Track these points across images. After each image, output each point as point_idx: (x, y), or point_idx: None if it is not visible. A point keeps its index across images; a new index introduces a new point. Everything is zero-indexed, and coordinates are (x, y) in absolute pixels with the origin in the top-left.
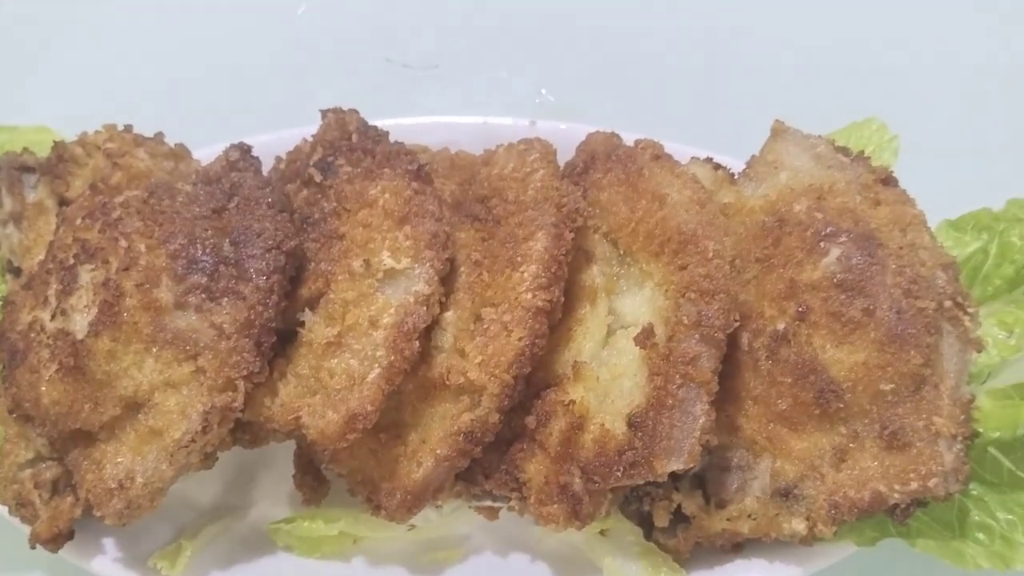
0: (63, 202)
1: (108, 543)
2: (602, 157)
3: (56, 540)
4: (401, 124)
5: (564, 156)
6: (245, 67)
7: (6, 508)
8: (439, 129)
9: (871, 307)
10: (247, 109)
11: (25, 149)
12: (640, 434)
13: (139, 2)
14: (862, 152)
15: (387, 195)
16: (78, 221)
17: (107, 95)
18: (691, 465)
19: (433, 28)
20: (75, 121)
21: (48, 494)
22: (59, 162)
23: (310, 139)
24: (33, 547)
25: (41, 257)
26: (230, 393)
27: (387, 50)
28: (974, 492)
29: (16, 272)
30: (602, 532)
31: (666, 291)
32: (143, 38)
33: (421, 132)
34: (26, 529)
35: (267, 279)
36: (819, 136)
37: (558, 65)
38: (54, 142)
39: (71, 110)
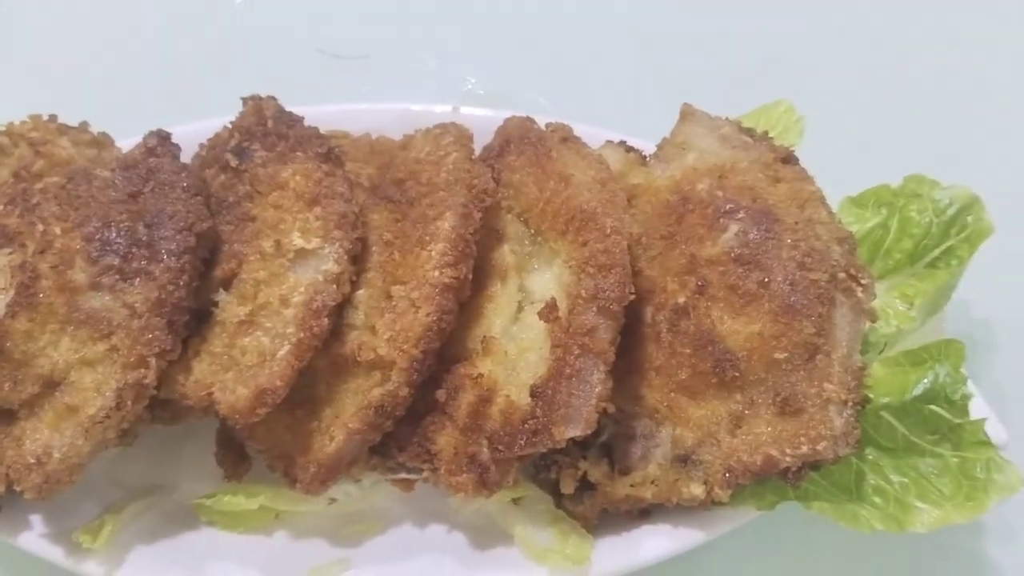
0: None
1: (35, 520)
2: (516, 140)
3: None
4: (326, 111)
5: (486, 142)
6: (180, 57)
7: None
8: (364, 115)
9: (766, 280)
10: (179, 98)
11: None
12: (541, 403)
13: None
14: (766, 133)
15: (298, 177)
16: (0, 208)
17: (40, 85)
18: (588, 431)
19: (364, 19)
20: (9, 112)
21: None
22: None
23: (229, 126)
24: None
25: None
26: (142, 370)
27: (319, 41)
28: (870, 456)
29: None
30: (515, 501)
31: (570, 267)
32: (77, 26)
33: (346, 118)
34: None
35: (177, 259)
36: (725, 118)
37: (486, 55)
38: None
39: (7, 102)
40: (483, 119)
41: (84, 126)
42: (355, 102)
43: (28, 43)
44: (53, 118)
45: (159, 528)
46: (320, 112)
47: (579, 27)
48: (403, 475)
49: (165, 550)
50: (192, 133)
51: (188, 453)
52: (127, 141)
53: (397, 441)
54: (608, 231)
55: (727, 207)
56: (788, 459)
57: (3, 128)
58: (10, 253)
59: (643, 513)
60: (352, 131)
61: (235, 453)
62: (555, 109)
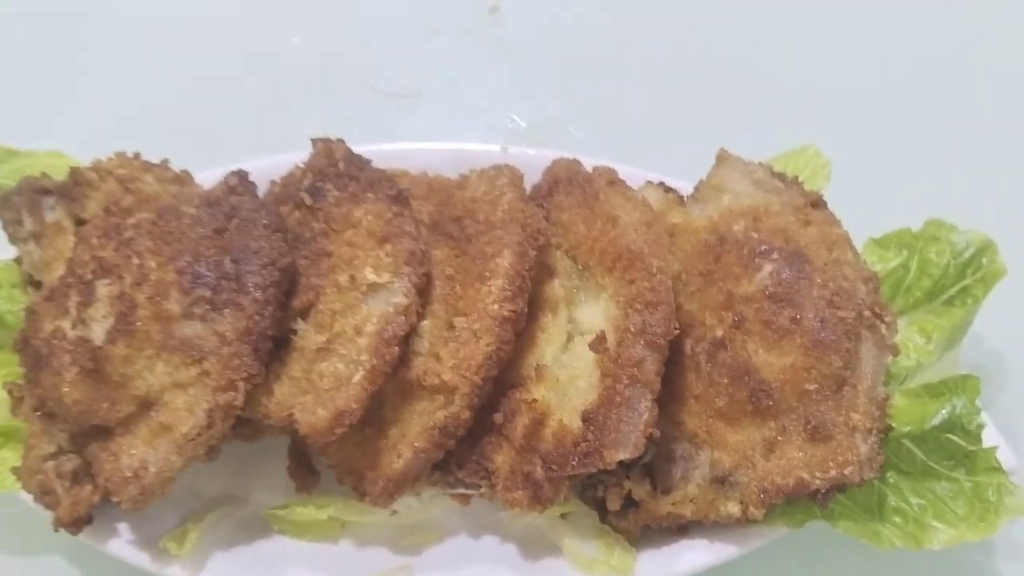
0: (79, 222)
1: (122, 527)
2: (564, 181)
3: (76, 524)
4: (384, 150)
5: (532, 178)
6: (243, 94)
7: (30, 496)
8: (419, 155)
9: (798, 316)
10: (244, 133)
11: (43, 173)
12: (592, 428)
13: (143, 35)
14: (796, 177)
15: (370, 217)
16: (94, 240)
17: (115, 121)
18: (636, 455)
19: (416, 59)
20: (84, 147)
21: (69, 483)
22: (75, 186)
23: (302, 165)
24: (56, 530)
25: (60, 271)
26: (231, 393)
27: (373, 79)
28: (891, 480)
29: (36, 285)
30: (563, 516)
31: (617, 302)
32: (146, 68)
33: (402, 157)
34: (49, 515)
35: (263, 292)
36: (759, 163)
37: (529, 95)
38: (71, 168)
39: (80, 137)
40: (530, 157)
41: (165, 164)
42: (410, 140)
43: (99, 84)
44: (137, 155)
45: (234, 536)
46: (379, 151)
47: (616, 76)
48: (461, 490)
49: (241, 556)
50: (259, 168)
51: (259, 467)
52: (197, 175)
53: (457, 459)
54: (654, 270)
55: (762, 248)
56: (818, 482)
57: (91, 165)
58: (109, 284)
59: (681, 529)
60: (409, 168)
61: (305, 467)
62: (593, 147)
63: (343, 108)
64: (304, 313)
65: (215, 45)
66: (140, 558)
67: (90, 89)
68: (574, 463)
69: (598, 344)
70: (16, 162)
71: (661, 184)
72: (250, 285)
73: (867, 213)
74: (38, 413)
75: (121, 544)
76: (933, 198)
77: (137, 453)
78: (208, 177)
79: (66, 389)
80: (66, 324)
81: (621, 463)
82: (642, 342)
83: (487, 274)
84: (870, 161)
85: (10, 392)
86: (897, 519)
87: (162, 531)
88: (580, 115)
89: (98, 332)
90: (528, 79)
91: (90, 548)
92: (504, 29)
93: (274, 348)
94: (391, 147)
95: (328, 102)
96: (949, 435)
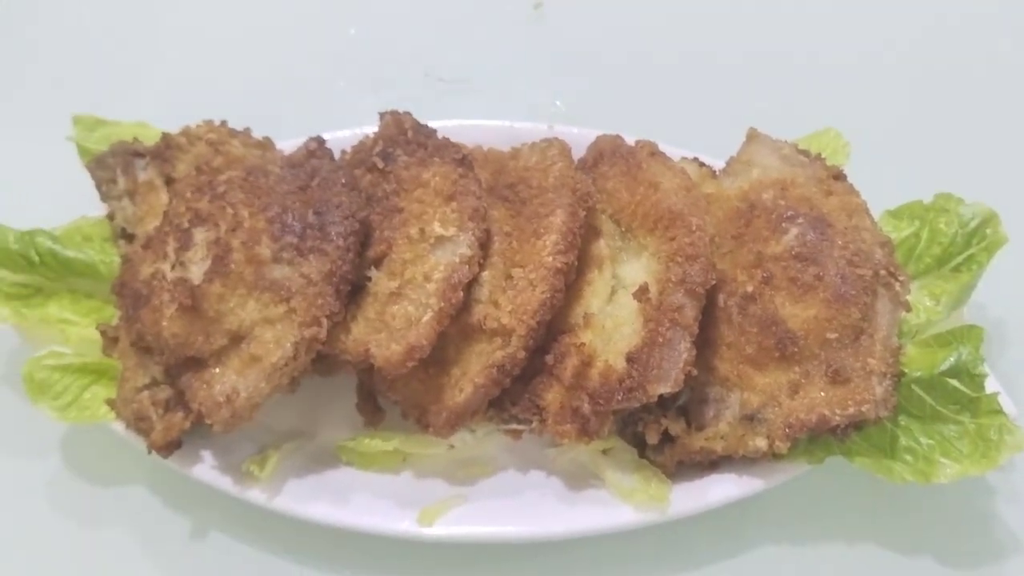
0: (169, 182)
1: (205, 455)
2: (608, 154)
3: (168, 447)
4: (438, 125)
5: (577, 154)
6: (306, 79)
7: (121, 426)
8: (472, 131)
9: (821, 273)
10: (307, 115)
11: (135, 138)
12: (636, 366)
13: (214, 26)
14: (819, 154)
15: (437, 178)
16: (188, 194)
17: (188, 101)
18: (676, 389)
19: (465, 48)
20: (161, 121)
21: (162, 411)
22: (166, 149)
23: (371, 135)
24: (149, 452)
25: (153, 224)
26: (316, 328)
27: (425, 66)
28: (902, 422)
29: (128, 238)
30: (604, 452)
31: (658, 258)
32: (217, 55)
33: (457, 133)
34: (140, 444)
35: (345, 240)
36: (785, 141)
37: (570, 82)
38: (162, 133)
39: (160, 110)
40: (573, 135)
41: (248, 130)
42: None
43: (179, 67)
44: (224, 123)
45: (307, 465)
46: (437, 126)
47: (651, 60)
48: (514, 425)
49: (313, 483)
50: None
51: (327, 405)
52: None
53: (511, 396)
54: (693, 227)
55: (788, 214)
56: (838, 418)
57: (180, 131)
58: (205, 231)
59: (712, 464)
60: (465, 143)
61: (372, 404)
62: (629, 128)
63: (398, 93)
64: (378, 262)
65: (280, 34)
66: (223, 482)
67: (167, 70)
68: (619, 397)
69: (641, 294)
70: (104, 130)
71: (696, 159)
72: (332, 234)
73: (883, 188)
74: (134, 348)
75: (205, 469)
76: (942, 174)
77: (229, 381)
78: (283, 148)
79: (166, 324)
80: (165, 267)
81: (659, 403)
82: (682, 291)
83: (541, 231)
84: (885, 142)
85: (103, 333)
86: (908, 457)
87: (241, 459)
88: (617, 100)
89: (196, 273)
90: (569, 67)
91: (167, 480)
92: (547, 22)
93: (350, 293)
94: (446, 123)
95: (384, 87)
96: (955, 381)
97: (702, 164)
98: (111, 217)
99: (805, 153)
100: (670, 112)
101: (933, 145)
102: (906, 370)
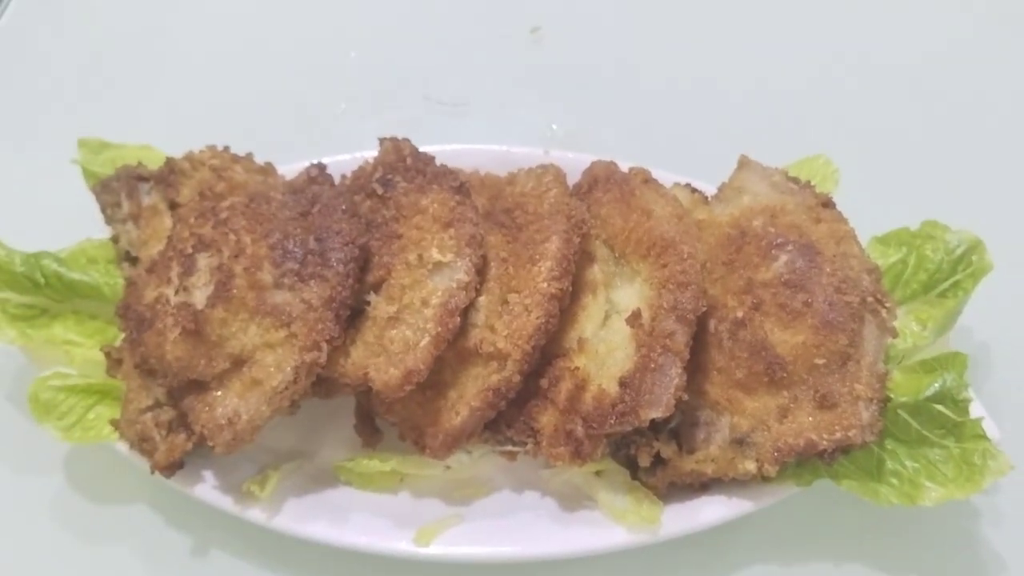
0: (173, 206)
1: (207, 474)
2: (602, 180)
3: (171, 467)
4: (437, 150)
5: (571, 178)
6: (306, 102)
7: (123, 447)
8: (470, 155)
9: (809, 300)
10: (307, 138)
11: (139, 162)
12: (629, 391)
13: (212, 50)
14: (809, 181)
15: (436, 205)
16: (192, 219)
17: (189, 123)
18: (668, 414)
19: (464, 72)
20: (166, 142)
21: (165, 432)
22: (170, 173)
23: (371, 160)
24: (152, 473)
25: (157, 248)
26: (316, 352)
27: (425, 89)
28: (888, 446)
29: (132, 261)
30: (597, 473)
31: (651, 284)
32: (217, 79)
33: (455, 157)
34: (143, 463)
35: (345, 266)
36: (775, 168)
37: (565, 106)
38: (166, 158)
39: (163, 133)
40: (569, 160)
41: (250, 156)
42: (461, 142)
43: (178, 91)
44: (227, 148)
45: (305, 485)
46: (435, 151)
47: (644, 87)
48: (509, 447)
49: (312, 502)
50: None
51: (327, 427)
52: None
53: (506, 419)
54: (685, 255)
55: (778, 241)
56: (825, 442)
57: (184, 156)
58: (209, 256)
59: (703, 486)
60: (461, 167)
61: (370, 426)
62: (624, 152)
63: (398, 115)
64: (376, 287)
65: (282, 58)
66: (224, 501)
67: (171, 93)
68: (612, 421)
69: (634, 320)
70: (109, 153)
71: (688, 185)
72: (333, 260)
73: (871, 214)
74: (138, 370)
75: (206, 489)
76: (929, 201)
77: (231, 404)
78: (284, 172)
79: (169, 347)
80: (169, 291)
81: (651, 426)
82: (673, 317)
83: (537, 257)
84: (873, 169)
85: (107, 355)
86: (894, 480)
87: (241, 479)
88: (612, 124)
89: (199, 298)
90: (565, 91)
91: (169, 499)
92: (544, 46)
93: (349, 317)
94: (445, 148)
95: (385, 110)
96: (940, 406)
97: (694, 190)
98: (115, 240)
99: (795, 180)
100: (664, 137)
101: (921, 172)
102: (892, 395)
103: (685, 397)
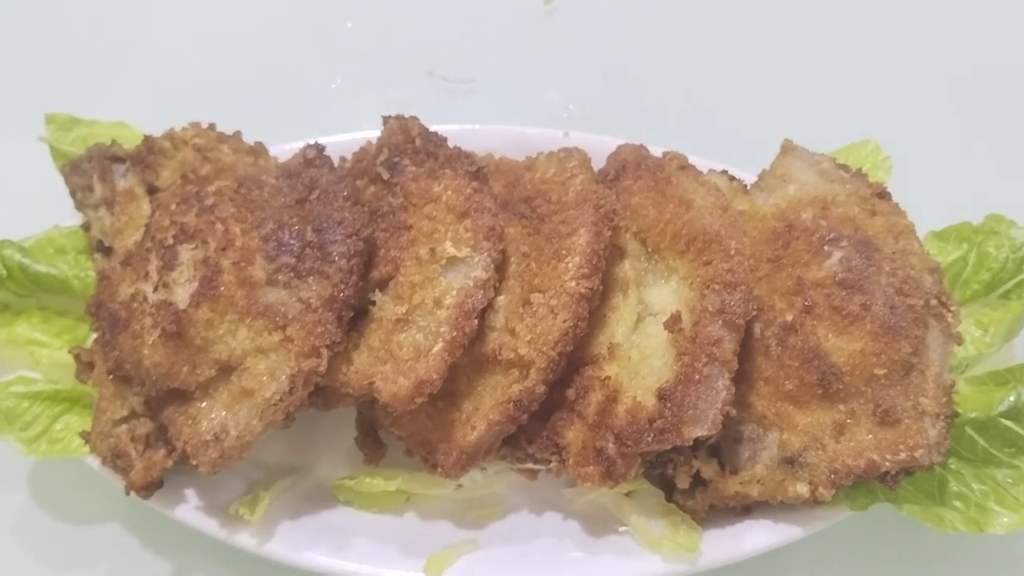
0: (151, 190)
1: (189, 494)
2: (632, 166)
3: (148, 487)
4: (445, 130)
5: (595, 164)
6: (296, 77)
7: (95, 462)
8: (481, 136)
9: (868, 303)
10: (303, 113)
11: (113, 141)
12: (669, 405)
13: (202, 20)
14: (860, 169)
15: (450, 192)
16: (173, 206)
17: (172, 97)
18: (714, 432)
19: (470, 46)
20: (143, 119)
21: (142, 447)
22: (148, 154)
23: (373, 142)
24: (127, 494)
25: (133, 238)
26: (315, 359)
27: (428, 64)
28: (952, 466)
29: (106, 251)
30: (627, 494)
31: (691, 284)
32: (204, 48)
33: (464, 138)
34: (117, 481)
35: (348, 261)
36: (823, 154)
37: (581, 85)
38: (144, 136)
39: (140, 109)
40: (590, 143)
41: (239, 135)
42: (468, 123)
43: (160, 62)
44: (212, 126)
45: (300, 506)
46: (443, 131)
47: (670, 62)
48: (530, 465)
49: (308, 525)
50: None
51: (322, 439)
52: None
53: (527, 434)
54: (732, 252)
55: (831, 236)
56: (888, 464)
57: (164, 134)
58: (193, 248)
59: (745, 509)
60: (474, 150)
61: (373, 439)
62: (644, 136)
63: (398, 93)
64: (383, 284)
65: (271, 28)
66: (209, 524)
67: (148, 65)
68: (649, 439)
69: (673, 324)
70: (80, 130)
71: (724, 172)
72: (334, 254)
73: (927, 207)
74: (112, 376)
75: (189, 511)
76: (992, 193)
77: (217, 417)
78: (275, 154)
79: (147, 352)
80: (147, 287)
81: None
82: (720, 322)
83: (563, 252)
84: (928, 156)
85: (77, 357)
86: (958, 504)
87: (228, 499)
88: (634, 104)
89: (181, 296)
90: (582, 68)
91: (144, 519)
92: (559, 18)
93: (353, 319)
94: (454, 128)
95: (383, 86)
96: (1011, 423)
97: (732, 178)
98: (86, 228)
99: (845, 168)
100: (693, 118)
101: (983, 161)
102: (960, 410)
103: (733, 412)
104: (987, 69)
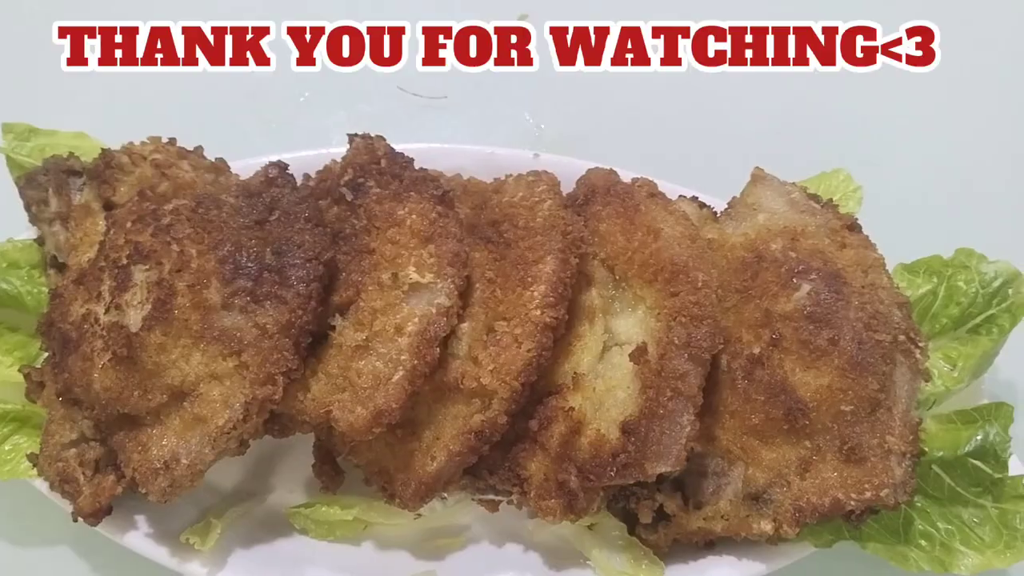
0: (108, 206)
1: (140, 520)
2: (601, 191)
3: (97, 514)
4: (414, 148)
5: (563, 186)
6: (265, 90)
7: (44, 485)
8: (450, 155)
9: (836, 337)
10: (264, 128)
11: (71, 153)
12: (633, 439)
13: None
14: (831, 200)
15: (414, 216)
16: (128, 224)
17: (132, 109)
18: (677, 468)
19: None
20: (103, 131)
21: (91, 472)
22: (106, 168)
23: (339, 160)
24: (75, 520)
25: (88, 255)
26: (270, 387)
27: (399, 79)
28: (918, 504)
29: (60, 267)
30: (590, 527)
31: (657, 314)
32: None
33: (433, 157)
34: (65, 505)
35: (307, 286)
36: (794, 184)
37: (554, 104)
38: (102, 149)
39: (100, 119)
40: (560, 164)
41: (200, 151)
42: (435, 142)
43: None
44: (172, 141)
45: (254, 534)
46: (410, 150)
47: (643, 88)
48: (491, 496)
49: (262, 554)
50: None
51: (277, 465)
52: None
53: (488, 465)
54: (699, 284)
55: (800, 268)
56: (853, 503)
57: (123, 148)
58: (147, 269)
59: (708, 544)
60: (441, 171)
61: (331, 467)
62: (617, 159)
63: (368, 108)
64: (343, 309)
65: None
66: (159, 553)
67: (104, 75)
68: (612, 474)
69: (639, 355)
70: (38, 140)
71: (695, 198)
72: (293, 279)
73: (897, 239)
74: (61, 399)
75: (139, 538)
76: (963, 227)
77: (168, 444)
78: (237, 170)
79: (97, 375)
80: (99, 309)
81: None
82: (686, 355)
83: (529, 280)
84: (899, 187)
85: (27, 376)
86: (924, 543)
87: (180, 526)
88: (606, 126)
89: (133, 318)
90: (554, 88)
91: (97, 542)
92: (532, 36)
93: (311, 344)
94: (422, 147)
95: (352, 101)
96: (978, 462)
97: (702, 205)
98: (41, 242)
99: (815, 198)
100: (664, 142)
101: (954, 194)
102: (926, 448)
103: (697, 448)
104: (959, 99)
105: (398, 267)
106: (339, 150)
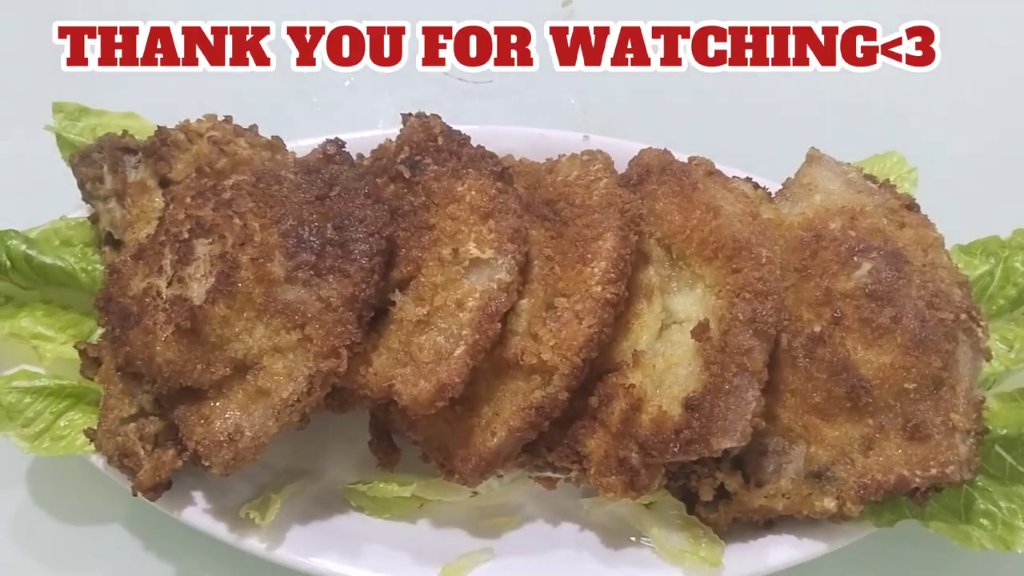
0: (164, 183)
1: (196, 496)
2: (656, 170)
3: (156, 488)
4: (464, 130)
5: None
6: (311, 75)
7: (100, 460)
8: (499, 137)
9: (898, 315)
10: (317, 111)
11: (124, 131)
12: (697, 415)
13: (214, 11)
14: (887, 180)
15: (473, 192)
16: (188, 199)
17: (184, 90)
18: (742, 444)
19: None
20: (152, 111)
21: (151, 446)
22: (161, 145)
23: (392, 139)
24: (135, 495)
25: (145, 231)
26: (334, 360)
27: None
28: (979, 483)
29: (115, 244)
30: (647, 506)
31: (718, 292)
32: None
33: (483, 139)
34: (123, 481)
35: (370, 260)
36: (850, 164)
37: (600, 88)
38: (157, 127)
39: (149, 101)
40: (612, 146)
41: (255, 128)
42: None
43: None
44: (228, 119)
45: (311, 510)
46: (464, 130)
47: (692, 70)
48: (549, 473)
49: (319, 531)
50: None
51: (332, 442)
52: None
53: (547, 442)
54: (763, 260)
55: (860, 246)
56: (918, 480)
57: (178, 126)
58: (209, 243)
59: (768, 523)
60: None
61: (387, 443)
62: (664, 141)
63: (411, 93)
64: (403, 285)
65: (280, 22)
66: (217, 528)
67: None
68: (675, 450)
69: (701, 332)
70: (88, 120)
71: (749, 179)
72: (356, 252)
73: (953, 220)
74: (121, 373)
75: (197, 513)
76: (1020, 207)
77: (231, 417)
78: (292, 150)
79: (159, 348)
80: (160, 282)
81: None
82: (751, 331)
83: (588, 256)
84: (953, 168)
85: (83, 352)
86: (985, 522)
87: (235, 503)
88: (653, 108)
89: (196, 291)
90: (600, 71)
91: (151, 521)
92: (577, 19)
93: (372, 319)
94: (472, 128)
95: (398, 86)
96: None
97: (756, 185)
98: (95, 220)
99: (872, 178)
100: (712, 124)
101: (1011, 174)
102: (989, 427)
103: (762, 424)
104: (1018, 80)
105: (458, 243)
106: (389, 131)
